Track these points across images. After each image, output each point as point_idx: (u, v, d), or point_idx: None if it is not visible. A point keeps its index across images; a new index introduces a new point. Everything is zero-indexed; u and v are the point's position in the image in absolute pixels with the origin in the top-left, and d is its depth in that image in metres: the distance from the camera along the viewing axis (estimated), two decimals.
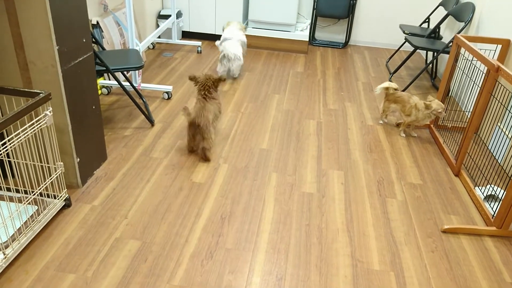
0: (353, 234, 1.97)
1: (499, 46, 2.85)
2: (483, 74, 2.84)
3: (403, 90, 3.61)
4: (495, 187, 2.33)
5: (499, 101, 2.73)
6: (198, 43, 4.38)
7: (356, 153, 2.65)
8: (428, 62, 4.32)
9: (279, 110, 3.15)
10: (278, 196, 2.20)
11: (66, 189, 1.99)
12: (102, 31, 3.14)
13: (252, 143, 2.67)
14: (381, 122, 3.06)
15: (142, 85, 3.27)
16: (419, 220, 2.10)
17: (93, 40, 2.76)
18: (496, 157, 2.69)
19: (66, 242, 1.80)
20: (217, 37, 4.65)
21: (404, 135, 2.89)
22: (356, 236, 1.97)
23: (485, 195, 2.27)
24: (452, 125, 3.03)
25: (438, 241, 1.98)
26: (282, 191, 2.24)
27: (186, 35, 4.70)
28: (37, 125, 1.73)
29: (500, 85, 2.70)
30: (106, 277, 1.65)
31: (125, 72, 2.93)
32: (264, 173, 2.38)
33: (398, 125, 3.06)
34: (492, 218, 2.09)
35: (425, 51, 4.45)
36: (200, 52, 4.28)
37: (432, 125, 2.99)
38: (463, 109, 3.31)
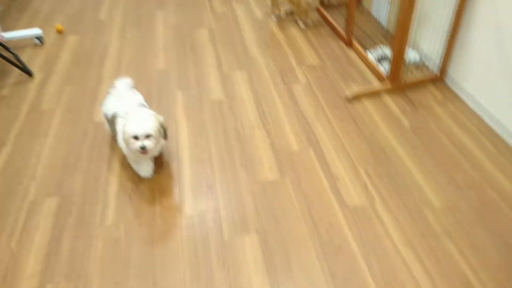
0: (269, 127, 2.03)
1: None
2: None
3: None
4: (384, 48, 2.49)
5: None
6: None
7: (254, 50, 2.63)
8: None
9: (167, 26, 2.96)
10: (188, 111, 2.16)
11: None
12: None
13: (147, 66, 2.52)
14: (274, 18, 2.98)
15: (5, 35, 2.84)
16: (324, 96, 2.21)
17: None
18: (380, 21, 2.84)
19: None
20: None
21: (304, 26, 2.85)
22: (271, 127, 2.03)
23: (377, 59, 2.42)
24: (337, 1, 3.09)
25: (344, 110, 2.12)
26: (191, 106, 2.19)
27: None
28: None
29: None
30: (33, 242, 1.56)
31: None
32: (169, 94, 2.29)
33: (288, 14, 3.05)
34: (386, 76, 2.25)
35: None
36: None
37: (320, 7, 3.02)
38: None
